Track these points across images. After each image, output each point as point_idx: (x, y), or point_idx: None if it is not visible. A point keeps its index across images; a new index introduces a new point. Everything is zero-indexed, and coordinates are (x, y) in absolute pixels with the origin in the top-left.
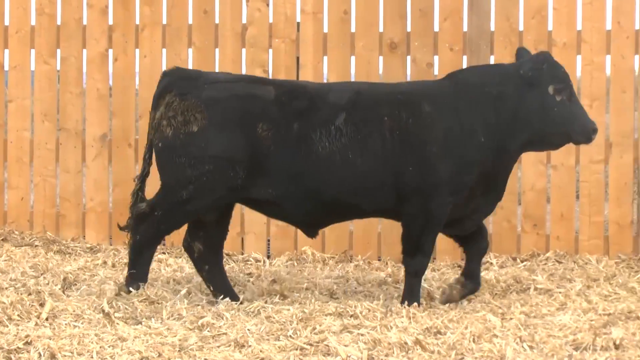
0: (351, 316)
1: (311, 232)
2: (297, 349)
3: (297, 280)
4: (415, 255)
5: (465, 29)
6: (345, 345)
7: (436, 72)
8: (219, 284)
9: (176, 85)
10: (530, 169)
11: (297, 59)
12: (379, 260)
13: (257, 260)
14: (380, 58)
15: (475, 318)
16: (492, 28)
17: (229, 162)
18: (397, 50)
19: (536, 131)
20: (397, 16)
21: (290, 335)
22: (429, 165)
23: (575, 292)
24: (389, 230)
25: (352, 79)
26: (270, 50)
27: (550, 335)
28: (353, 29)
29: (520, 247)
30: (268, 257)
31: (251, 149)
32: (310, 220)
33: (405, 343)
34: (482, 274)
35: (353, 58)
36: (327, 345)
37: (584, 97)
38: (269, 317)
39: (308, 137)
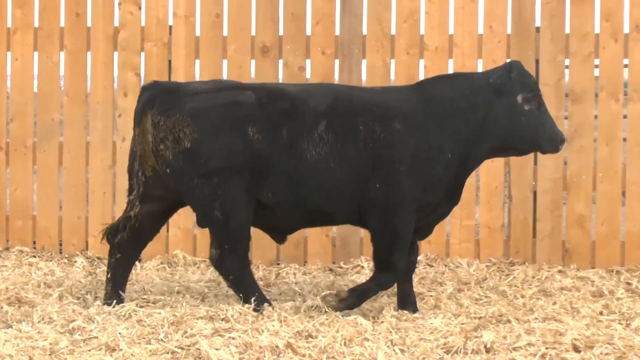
0: (222, 320)
1: (282, 238)
2: (168, 353)
3: (169, 283)
4: (387, 271)
5: (337, 32)
6: (216, 349)
7: (308, 75)
8: (118, 279)
9: (157, 101)
10: None
11: (169, 62)
12: (251, 264)
13: None
14: (253, 61)
15: (346, 322)
16: (364, 32)
17: (233, 169)
18: (269, 53)
19: (503, 139)
20: (269, 20)
21: (161, 339)
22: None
23: (447, 296)
24: (260, 234)
25: None
26: (143, 54)
27: (421, 339)
28: (225, 33)
29: None
30: (139, 260)
31: (249, 153)
32: (292, 227)
33: (277, 346)
34: (353, 277)
35: (225, 62)
36: (199, 349)
37: None
38: (140, 320)
39: (295, 141)
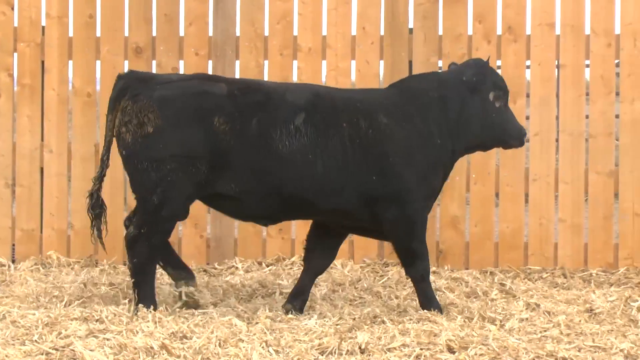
0: (97, 321)
1: (266, 224)
2: (42, 354)
3: (43, 284)
4: (414, 262)
5: (210, 33)
6: (91, 350)
7: None
8: (174, 263)
9: (130, 88)
10: None
11: (42, 63)
12: (125, 264)
13: (2, 265)
14: (126, 62)
15: (221, 322)
16: (238, 33)
17: (189, 159)
18: (143, 54)
19: (477, 135)
20: (142, 21)
21: (35, 340)
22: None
23: (321, 297)
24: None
25: (97, 84)
26: (15, 54)
27: (296, 340)
28: (98, 34)
29: (266, 251)
30: (13, 261)
31: (211, 144)
32: (271, 215)
33: (152, 347)
34: (228, 278)
35: (98, 62)
36: (73, 350)
37: None
38: (14, 321)
39: (267, 132)
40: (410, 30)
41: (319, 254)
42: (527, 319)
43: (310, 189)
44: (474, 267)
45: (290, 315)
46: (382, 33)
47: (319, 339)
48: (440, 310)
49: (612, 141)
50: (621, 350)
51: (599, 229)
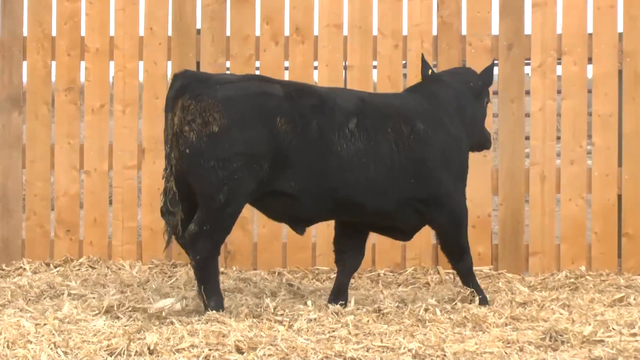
0: None
1: (302, 229)
2: None
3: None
4: (462, 256)
5: None
6: None
7: None
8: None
9: (189, 88)
10: (63, 175)
11: None
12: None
13: None
14: None
15: (9, 324)
16: (25, 33)
17: (254, 157)
18: None
19: (474, 139)
20: None
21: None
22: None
23: (110, 298)
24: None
25: None
26: None
27: (84, 341)
28: None
29: (54, 252)
30: None
31: (274, 143)
32: (317, 217)
33: None
34: (15, 279)
35: None
36: None
37: (117, 103)
38: None
39: (325, 135)
40: (198, 31)
41: (351, 253)
42: (315, 319)
43: (361, 192)
44: (262, 267)
45: (79, 316)
46: (169, 34)
47: (108, 340)
48: (487, 302)
49: None
50: (409, 350)
51: None
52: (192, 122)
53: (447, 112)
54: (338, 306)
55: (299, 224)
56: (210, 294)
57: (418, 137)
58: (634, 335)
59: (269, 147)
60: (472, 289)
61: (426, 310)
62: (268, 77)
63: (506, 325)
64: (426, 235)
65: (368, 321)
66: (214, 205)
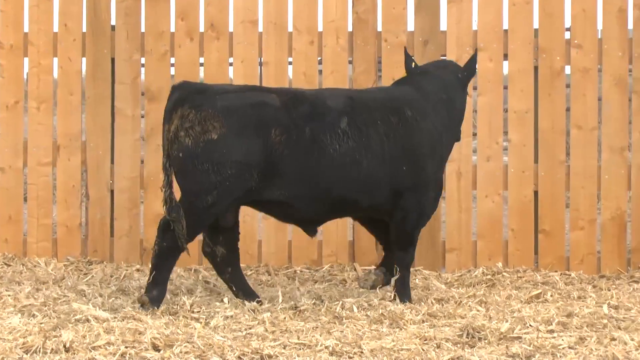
0: None
1: (313, 230)
2: None
3: None
4: (408, 248)
5: None
6: None
7: None
8: (240, 284)
9: (189, 99)
10: None
11: None
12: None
13: None
14: None
15: None
16: None
17: (247, 166)
18: None
19: (456, 131)
20: None
21: None
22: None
23: (25, 295)
24: None
25: None
26: None
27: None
28: None
29: None
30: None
31: (266, 154)
32: (318, 218)
33: None
34: None
35: None
36: None
37: (31, 99)
38: None
39: (318, 139)
40: (113, 27)
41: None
42: (232, 316)
43: (355, 189)
44: (178, 264)
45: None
46: (84, 30)
47: (23, 337)
48: (411, 302)
49: None
50: (326, 347)
51: None
52: (189, 129)
53: (434, 103)
54: (254, 303)
55: (308, 225)
56: (158, 283)
57: (406, 125)
58: (551, 331)
59: (260, 157)
60: (400, 286)
61: (343, 307)
62: (265, 87)
63: (423, 322)
64: (342, 232)
65: (285, 318)
66: (199, 204)
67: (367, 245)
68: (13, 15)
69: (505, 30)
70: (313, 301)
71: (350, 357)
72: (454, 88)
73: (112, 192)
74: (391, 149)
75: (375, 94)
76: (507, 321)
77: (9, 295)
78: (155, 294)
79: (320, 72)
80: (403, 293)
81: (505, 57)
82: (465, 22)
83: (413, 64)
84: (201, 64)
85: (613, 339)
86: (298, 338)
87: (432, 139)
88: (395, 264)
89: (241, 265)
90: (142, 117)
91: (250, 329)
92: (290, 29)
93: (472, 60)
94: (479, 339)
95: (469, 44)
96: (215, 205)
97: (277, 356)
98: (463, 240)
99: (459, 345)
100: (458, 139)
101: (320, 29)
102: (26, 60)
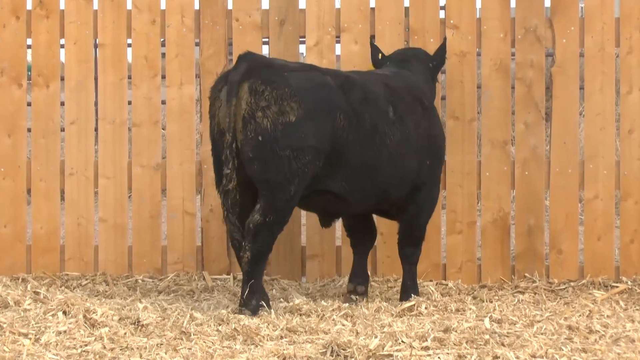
0: None
1: (330, 222)
2: None
3: None
4: (419, 243)
5: None
6: None
7: None
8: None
9: (258, 73)
10: None
11: None
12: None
13: None
14: None
15: None
16: None
17: (319, 152)
18: None
19: None
20: None
21: None
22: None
23: None
24: None
25: None
26: None
27: None
28: None
29: None
30: None
31: (334, 138)
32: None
33: None
34: None
35: None
36: None
37: None
38: None
39: (374, 128)
40: None
41: (365, 235)
42: (65, 331)
43: (396, 183)
44: (4, 273)
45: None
46: None
47: None
48: (418, 295)
49: (158, 130)
50: None
51: (146, 229)
52: (266, 109)
53: (426, 95)
54: (94, 317)
55: (331, 218)
56: (255, 291)
57: (427, 115)
58: (426, 348)
59: (329, 143)
60: (409, 281)
61: (191, 321)
62: (318, 67)
63: (282, 337)
64: (190, 236)
65: (125, 334)
66: (284, 196)
67: (217, 252)
68: None
69: (372, 9)
70: (157, 314)
71: None
72: (427, 77)
73: None
74: (420, 140)
75: (397, 81)
76: (376, 337)
77: None
78: (255, 303)
79: (163, 55)
80: (414, 289)
81: (373, 38)
82: (327, 0)
83: (380, 54)
84: (29, 46)
85: (496, 357)
86: (140, 356)
87: (442, 130)
88: (402, 261)
89: (75, 273)
90: None
91: (86, 345)
92: (129, 6)
93: (442, 49)
94: (345, 356)
95: (331, 24)
96: (295, 197)
97: None
98: (325, 245)
99: None
100: None
101: (163, 6)
102: None
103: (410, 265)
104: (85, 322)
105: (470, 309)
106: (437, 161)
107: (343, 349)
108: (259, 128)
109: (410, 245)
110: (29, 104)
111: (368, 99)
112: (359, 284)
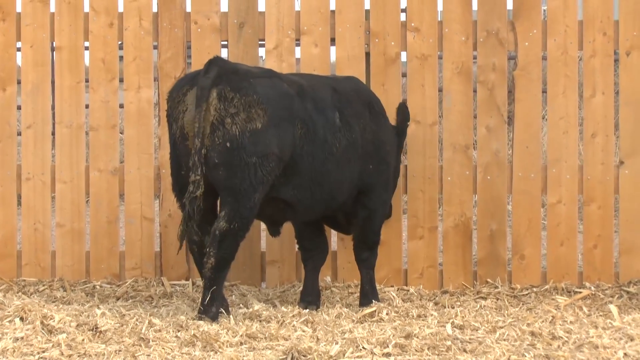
0: None
1: (277, 231)
2: None
3: None
4: (374, 247)
5: None
6: None
7: None
8: None
9: (226, 79)
10: None
11: None
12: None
13: None
14: None
15: None
16: None
17: (280, 160)
18: None
19: None
20: None
21: None
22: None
23: None
24: None
25: None
26: None
27: None
28: None
29: None
30: None
31: (292, 147)
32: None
33: None
34: None
35: None
36: None
37: None
38: None
39: (324, 136)
40: None
41: (317, 251)
42: (22, 337)
43: (340, 186)
44: None
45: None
46: None
47: None
48: (378, 301)
49: (116, 134)
50: None
51: (103, 234)
52: (235, 116)
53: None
54: (52, 323)
55: (278, 227)
56: (216, 298)
57: (376, 119)
58: (387, 355)
59: (289, 151)
60: (367, 287)
61: (150, 327)
62: (275, 72)
63: (241, 344)
64: (148, 242)
65: (83, 340)
66: (248, 203)
67: (176, 257)
68: None
69: (333, 12)
70: (115, 321)
71: None
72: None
73: None
74: (365, 144)
75: (346, 84)
76: (337, 343)
77: None
78: (215, 310)
79: (121, 58)
80: (373, 293)
81: (333, 41)
82: (287, 2)
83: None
84: None
85: None
86: None
87: (392, 135)
88: (359, 265)
89: (32, 279)
90: None
91: (43, 352)
92: (86, 9)
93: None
94: None
95: (291, 26)
96: (257, 204)
97: None
98: (285, 251)
99: None
100: None
101: (120, 9)
102: None
103: (367, 270)
104: (43, 329)
105: (432, 314)
106: (385, 166)
107: (303, 356)
108: (227, 134)
109: (366, 249)
110: None
111: (318, 107)
112: (309, 303)
